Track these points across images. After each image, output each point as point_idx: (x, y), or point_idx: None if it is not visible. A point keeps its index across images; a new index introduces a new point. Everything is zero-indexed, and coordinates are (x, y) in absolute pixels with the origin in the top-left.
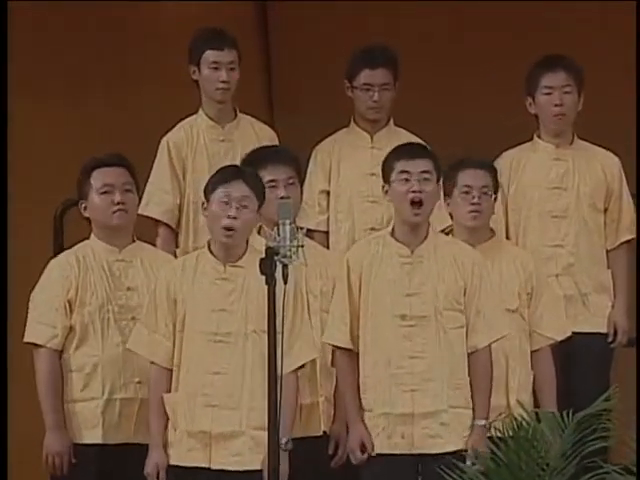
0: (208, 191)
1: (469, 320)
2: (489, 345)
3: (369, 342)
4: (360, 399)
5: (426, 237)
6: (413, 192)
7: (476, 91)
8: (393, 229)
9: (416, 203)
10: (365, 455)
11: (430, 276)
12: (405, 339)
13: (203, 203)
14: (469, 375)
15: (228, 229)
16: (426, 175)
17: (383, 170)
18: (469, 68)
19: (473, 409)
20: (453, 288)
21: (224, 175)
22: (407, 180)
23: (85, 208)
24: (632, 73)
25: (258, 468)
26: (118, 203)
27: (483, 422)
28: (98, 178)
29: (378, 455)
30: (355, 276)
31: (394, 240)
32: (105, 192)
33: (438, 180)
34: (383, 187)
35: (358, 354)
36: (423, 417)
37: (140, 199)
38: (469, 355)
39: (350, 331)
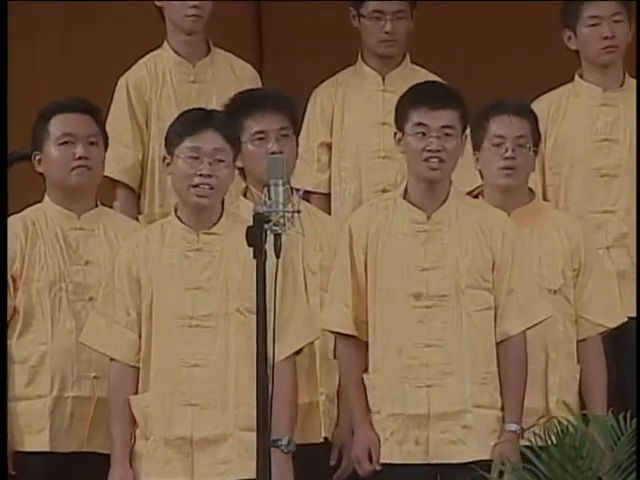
0: (171, 143)
1: (499, 301)
2: (524, 332)
3: (376, 327)
4: (367, 397)
5: (446, 199)
6: (429, 151)
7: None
8: (406, 189)
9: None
10: (374, 465)
11: (450, 247)
12: (420, 323)
13: (165, 158)
14: (498, 368)
15: (201, 189)
16: (448, 130)
17: (396, 114)
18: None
19: (502, 409)
20: (479, 262)
21: (190, 123)
22: (424, 135)
23: (40, 162)
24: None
25: (248, 477)
26: (80, 158)
27: (514, 427)
28: (57, 126)
29: (387, 465)
30: (359, 247)
31: (407, 203)
32: (65, 143)
33: (463, 131)
34: (395, 135)
35: (366, 342)
36: (441, 418)
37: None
38: (499, 344)
39: (353, 314)
